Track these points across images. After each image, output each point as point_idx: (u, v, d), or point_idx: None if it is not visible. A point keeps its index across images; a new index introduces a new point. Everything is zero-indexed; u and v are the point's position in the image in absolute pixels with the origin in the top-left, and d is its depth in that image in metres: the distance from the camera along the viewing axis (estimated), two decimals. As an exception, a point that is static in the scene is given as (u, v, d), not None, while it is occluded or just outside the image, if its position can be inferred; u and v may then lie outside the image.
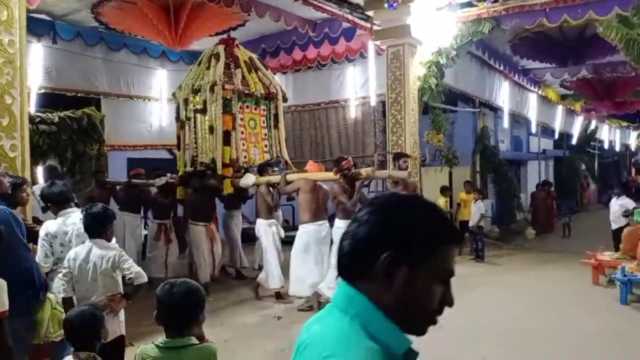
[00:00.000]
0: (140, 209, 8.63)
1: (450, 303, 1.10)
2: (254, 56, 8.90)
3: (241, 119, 8.20)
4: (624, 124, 26.17)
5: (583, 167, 23.47)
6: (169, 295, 2.26)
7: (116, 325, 3.47)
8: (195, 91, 8.26)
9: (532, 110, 16.78)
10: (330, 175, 6.83)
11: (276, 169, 8.07)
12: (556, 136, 20.86)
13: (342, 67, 11.77)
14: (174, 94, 8.69)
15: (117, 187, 8.68)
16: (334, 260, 6.20)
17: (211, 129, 8.00)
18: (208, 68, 8.27)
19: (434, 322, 1.10)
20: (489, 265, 10.16)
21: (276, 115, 8.74)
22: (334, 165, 7.01)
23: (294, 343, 1.15)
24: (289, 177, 7.27)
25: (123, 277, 3.51)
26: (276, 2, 8.60)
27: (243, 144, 8.18)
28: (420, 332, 1.10)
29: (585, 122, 22.10)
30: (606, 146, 26.31)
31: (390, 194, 1.17)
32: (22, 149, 4.32)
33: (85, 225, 3.54)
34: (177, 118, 8.61)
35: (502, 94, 14.35)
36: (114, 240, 3.70)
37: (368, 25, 9.38)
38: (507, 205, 14.89)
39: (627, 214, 8.81)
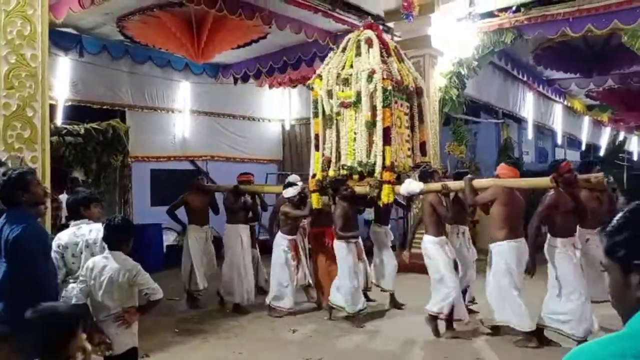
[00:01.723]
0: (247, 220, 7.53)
1: None
2: (398, 46, 7.58)
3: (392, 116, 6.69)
4: (655, 134, 25.55)
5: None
6: (27, 320, 2.11)
7: (129, 337, 3.48)
8: (344, 81, 6.89)
9: (557, 121, 16.56)
10: (544, 182, 5.54)
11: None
12: (583, 148, 20.48)
13: (363, 78, 11.72)
14: (308, 86, 7.33)
15: (224, 194, 7.59)
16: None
17: (369, 125, 6.57)
18: (358, 55, 6.83)
19: None
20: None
21: (420, 114, 7.25)
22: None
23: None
24: (477, 183, 5.90)
25: (140, 291, 3.51)
26: (297, 14, 8.64)
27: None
28: None
29: (614, 133, 21.62)
30: (636, 157, 25.69)
31: None
32: (43, 161, 4.40)
33: (105, 236, 3.52)
34: (316, 114, 7.08)
35: (526, 104, 14.22)
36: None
37: (389, 36, 9.37)
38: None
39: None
